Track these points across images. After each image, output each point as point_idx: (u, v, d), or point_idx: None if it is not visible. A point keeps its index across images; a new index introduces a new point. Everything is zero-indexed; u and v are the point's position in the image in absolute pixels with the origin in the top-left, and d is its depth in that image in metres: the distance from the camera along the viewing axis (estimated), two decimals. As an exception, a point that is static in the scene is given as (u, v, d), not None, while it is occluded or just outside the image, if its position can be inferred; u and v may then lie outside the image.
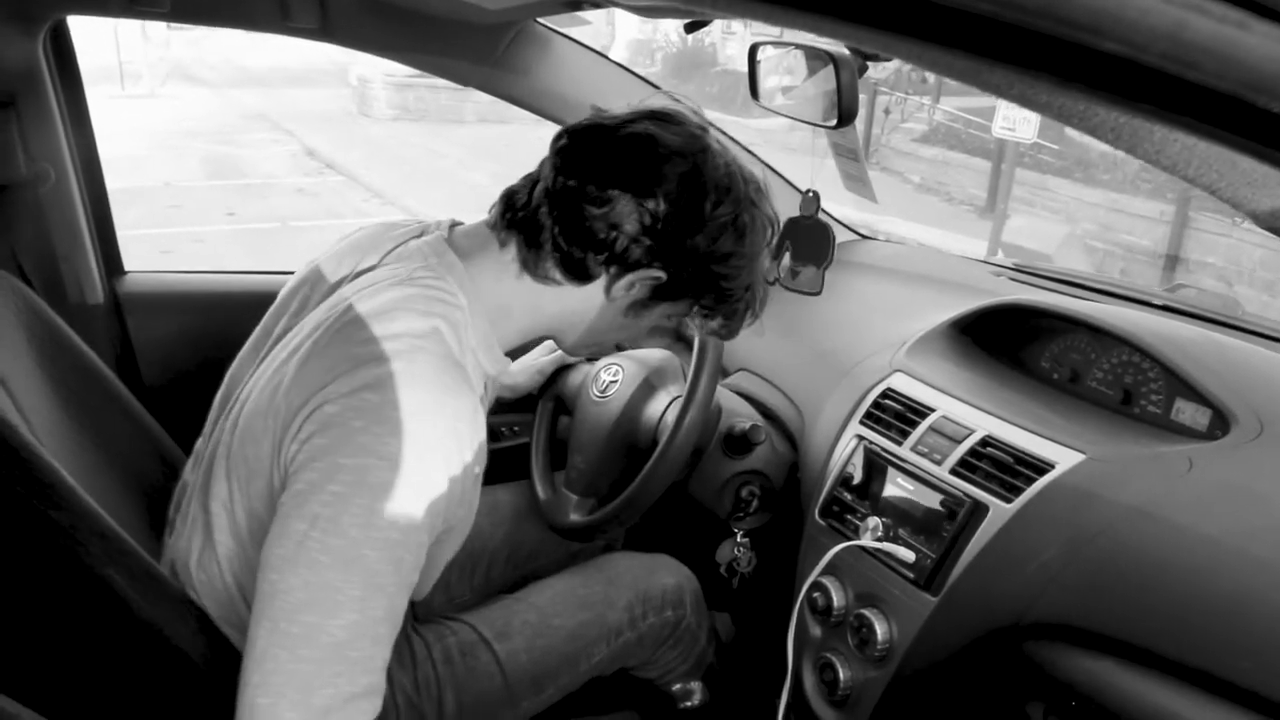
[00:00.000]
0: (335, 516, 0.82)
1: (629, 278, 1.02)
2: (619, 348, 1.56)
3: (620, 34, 17.39)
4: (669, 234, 0.98)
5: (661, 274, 1.02)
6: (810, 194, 1.47)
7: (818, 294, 1.46)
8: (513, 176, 1.06)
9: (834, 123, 1.35)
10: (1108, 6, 0.31)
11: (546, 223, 0.99)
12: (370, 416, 0.84)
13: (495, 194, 1.05)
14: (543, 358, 1.62)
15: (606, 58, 1.84)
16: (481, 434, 0.92)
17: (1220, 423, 1.13)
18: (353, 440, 0.83)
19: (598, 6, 1.49)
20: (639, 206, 0.97)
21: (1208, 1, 0.31)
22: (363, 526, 0.83)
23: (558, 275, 1.02)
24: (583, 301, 1.05)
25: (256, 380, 1.00)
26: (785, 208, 1.94)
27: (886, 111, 13.30)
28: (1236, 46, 0.32)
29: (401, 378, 0.86)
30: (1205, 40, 0.32)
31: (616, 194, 0.96)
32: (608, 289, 1.03)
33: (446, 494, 0.88)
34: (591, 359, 1.59)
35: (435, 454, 0.86)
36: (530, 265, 1.02)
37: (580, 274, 1.01)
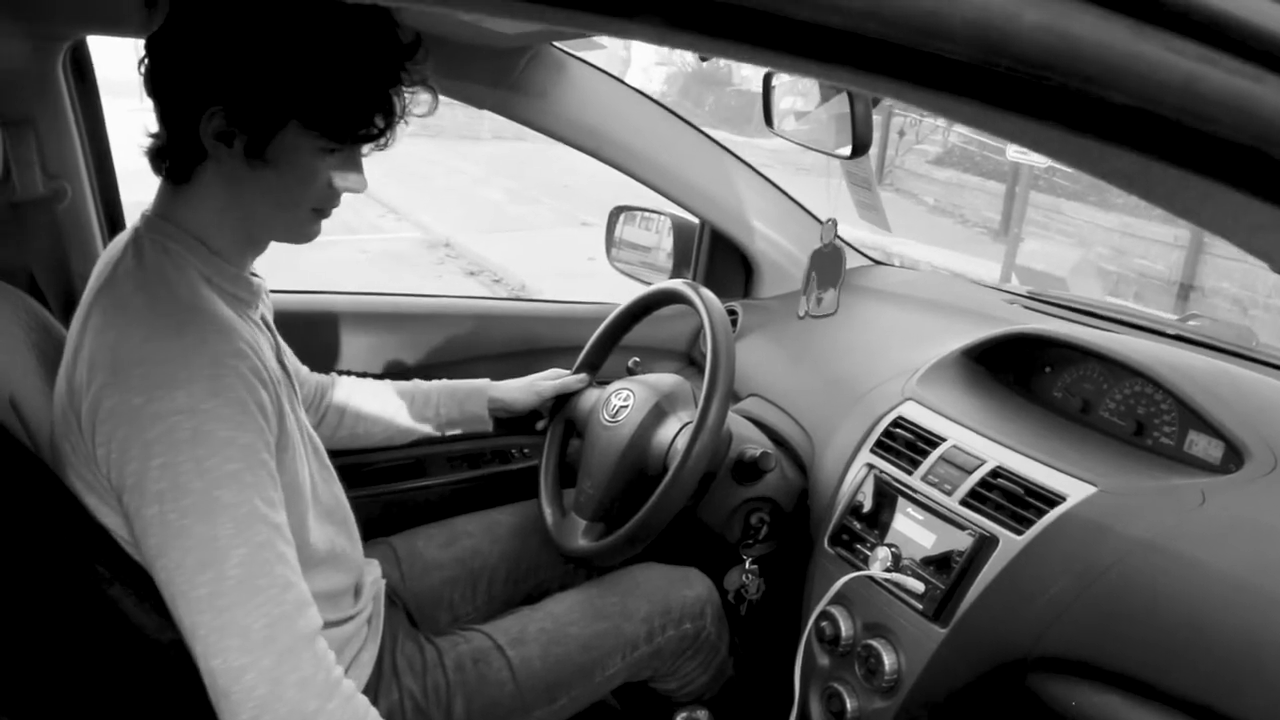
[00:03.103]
0: (174, 483, 0.86)
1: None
2: None
3: (636, 58, 17.48)
4: None
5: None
6: (830, 222, 1.49)
7: (834, 314, 1.47)
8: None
9: (847, 153, 1.35)
10: (1116, 60, 0.31)
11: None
12: (146, 387, 0.87)
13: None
14: (541, 381, 1.62)
15: (621, 81, 1.85)
16: (241, 339, 0.94)
17: (1234, 456, 1.12)
18: (144, 414, 0.87)
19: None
20: None
21: (1219, 55, 0.31)
22: (201, 475, 0.86)
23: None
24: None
25: (53, 413, 1.02)
26: (803, 235, 1.95)
27: (901, 133, 13.31)
28: (1250, 100, 0.32)
29: (150, 341, 0.89)
30: (1219, 94, 0.32)
31: None
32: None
33: (253, 403, 0.92)
34: (602, 383, 1.59)
35: (217, 380, 0.89)
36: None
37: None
